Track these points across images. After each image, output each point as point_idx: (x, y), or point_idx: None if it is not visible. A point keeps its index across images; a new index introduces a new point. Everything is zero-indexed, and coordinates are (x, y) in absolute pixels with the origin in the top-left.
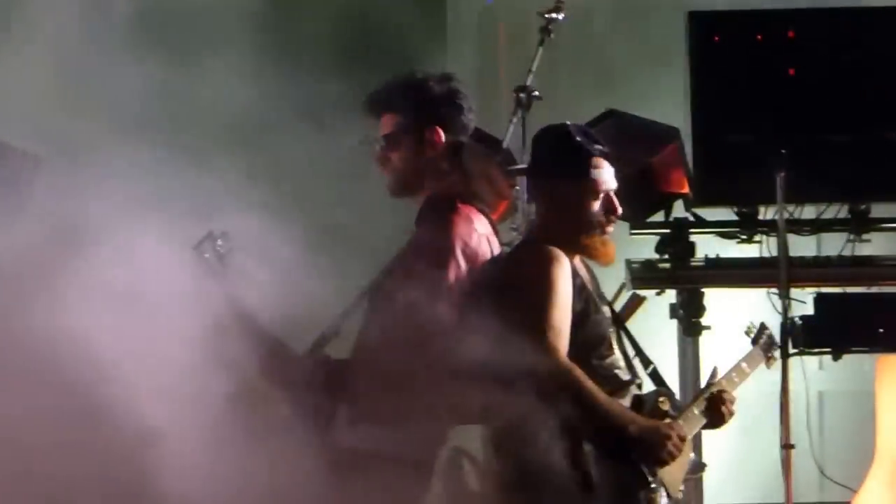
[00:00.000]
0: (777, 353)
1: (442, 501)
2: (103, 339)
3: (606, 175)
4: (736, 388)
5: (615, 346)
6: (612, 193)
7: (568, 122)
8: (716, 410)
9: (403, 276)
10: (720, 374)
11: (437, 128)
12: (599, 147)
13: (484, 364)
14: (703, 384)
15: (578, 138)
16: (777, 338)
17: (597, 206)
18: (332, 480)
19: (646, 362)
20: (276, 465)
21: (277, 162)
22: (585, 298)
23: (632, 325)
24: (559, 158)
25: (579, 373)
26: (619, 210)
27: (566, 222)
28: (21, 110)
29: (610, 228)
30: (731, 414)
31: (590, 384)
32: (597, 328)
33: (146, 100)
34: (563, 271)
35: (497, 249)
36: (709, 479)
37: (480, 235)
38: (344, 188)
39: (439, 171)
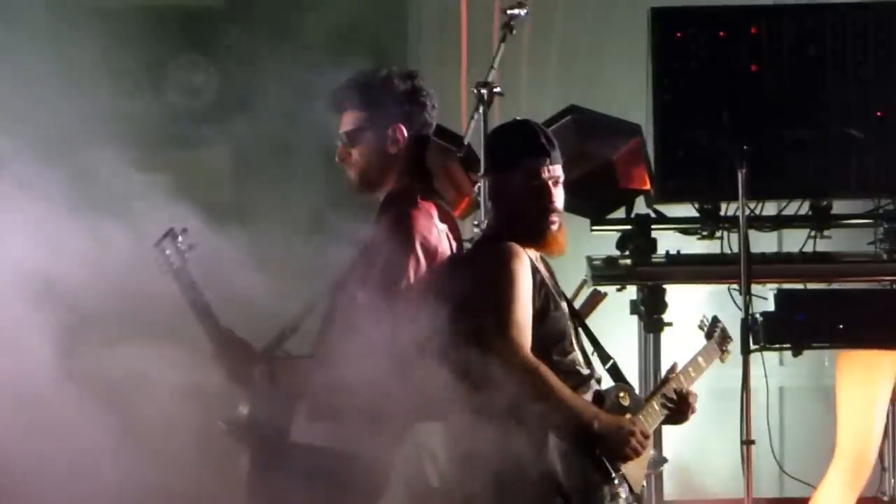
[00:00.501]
0: (731, 347)
1: (403, 498)
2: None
3: (539, 165)
4: (693, 382)
5: (574, 342)
6: (549, 184)
7: (518, 118)
8: (677, 407)
9: (363, 272)
10: (678, 369)
11: (400, 125)
12: (532, 138)
13: (447, 361)
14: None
15: (510, 132)
16: (729, 331)
17: (534, 197)
18: (291, 477)
19: (604, 357)
20: (233, 462)
21: (235, 157)
22: (545, 294)
23: (593, 321)
24: (493, 154)
25: (544, 369)
26: (555, 199)
27: (511, 216)
28: None
29: (554, 218)
30: (693, 411)
31: (555, 380)
32: (557, 324)
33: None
34: (524, 268)
35: (456, 246)
36: (669, 474)
37: (440, 231)
38: (305, 183)
39: (401, 167)
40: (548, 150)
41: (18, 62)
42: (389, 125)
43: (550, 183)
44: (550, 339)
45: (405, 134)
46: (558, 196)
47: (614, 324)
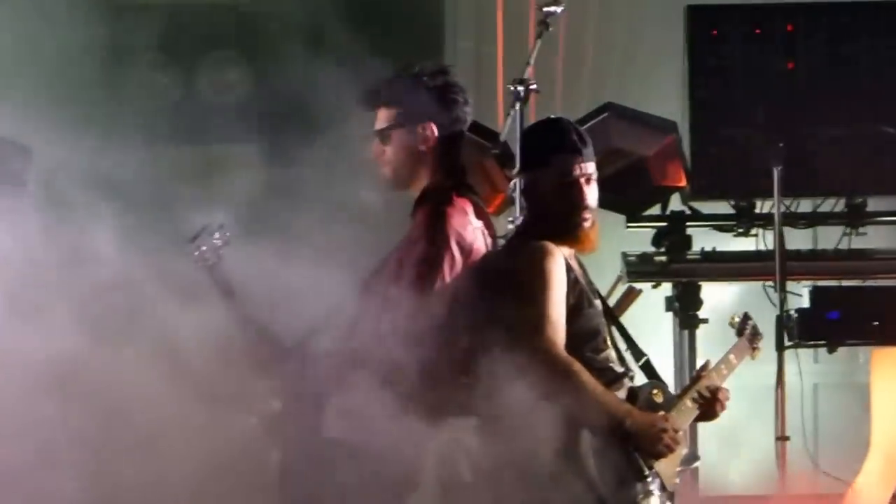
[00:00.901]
0: (762, 344)
1: (436, 493)
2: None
3: (571, 163)
4: (725, 379)
5: (608, 340)
6: (581, 181)
7: (552, 116)
8: (709, 404)
9: (398, 268)
10: (710, 367)
11: (431, 123)
12: (563, 136)
13: (481, 358)
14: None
15: (542, 130)
16: (762, 328)
17: (566, 194)
18: (322, 471)
19: (638, 355)
20: (267, 455)
21: (273, 152)
22: (579, 292)
23: (627, 317)
24: (525, 152)
25: (578, 366)
26: (588, 197)
27: (544, 214)
28: None
29: (586, 215)
30: (724, 408)
31: (588, 377)
32: (590, 322)
33: None
34: (558, 265)
35: (491, 243)
36: (704, 470)
37: (475, 228)
38: (341, 182)
39: (435, 164)
40: (579, 148)
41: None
42: (420, 122)
43: (583, 180)
44: (584, 336)
45: (435, 131)
46: (591, 193)
47: (649, 320)
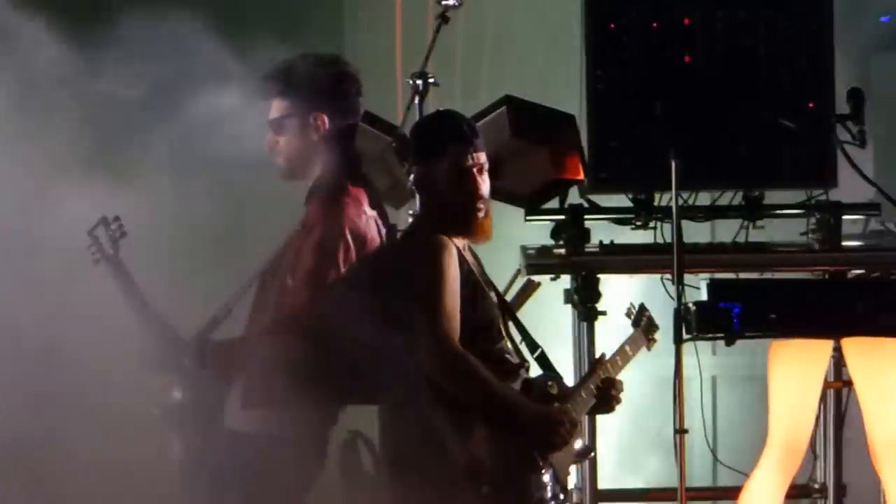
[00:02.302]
0: (658, 335)
1: (337, 484)
2: None
3: (463, 152)
4: (620, 371)
5: (503, 331)
6: (474, 171)
7: (439, 109)
8: (605, 397)
9: (293, 258)
10: (605, 359)
11: (322, 113)
12: (455, 127)
13: (376, 350)
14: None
15: (432, 122)
16: (659, 320)
17: (459, 184)
18: (224, 463)
19: (532, 346)
20: (168, 448)
21: (168, 146)
22: (473, 284)
23: (527, 310)
24: (417, 144)
25: (472, 358)
26: (482, 187)
27: (438, 205)
28: None
29: (480, 205)
30: (620, 401)
31: (483, 369)
32: (484, 313)
33: None
34: (451, 258)
35: (386, 233)
36: (602, 464)
37: (369, 217)
38: (235, 173)
39: (329, 154)
40: (470, 138)
41: None
42: (312, 112)
43: (475, 170)
44: (478, 328)
45: (327, 122)
46: (484, 183)
47: (549, 313)
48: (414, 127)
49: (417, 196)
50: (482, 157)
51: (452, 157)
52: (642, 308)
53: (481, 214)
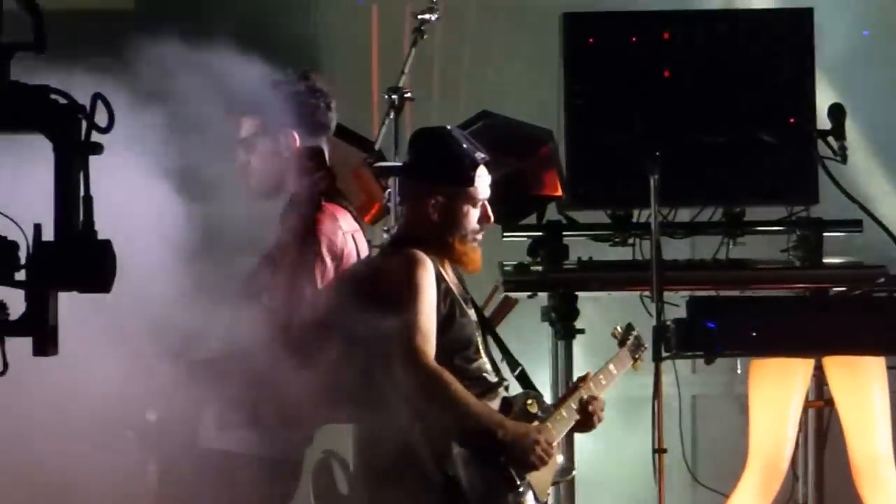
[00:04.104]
0: (644, 355)
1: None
2: None
3: (486, 184)
4: (604, 390)
5: (482, 349)
6: (486, 202)
7: (449, 126)
8: (585, 415)
9: (269, 276)
10: (589, 378)
11: (291, 130)
12: (483, 155)
13: (353, 367)
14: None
15: (465, 145)
16: (644, 339)
17: (475, 214)
18: (200, 482)
19: (513, 364)
20: (144, 466)
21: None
22: (451, 301)
23: (505, 328)
24: (445, 163)
25: (448, 376)
26: (492, 219)
27: (441, 227)
28: None
29: (480, 237)
30: (601, 419)
31: (459, 387)
32: (462, 331)
33: None
34: (428, 275)
35: (364, 247)
36: (580, 483)
37: (346, 233)
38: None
39: (301, 170)
40: (472, 176)
41: None
42: (281, 130)
43: (475, 205)
44: (456, 345)
45: (297, 139)
46: (481, 212)
47: (528, 331)
48: (428, 142)
49: (394, 211)
50: (486, 191)
51: (475, 186)
52: (629, 327)
53: (474, 245)
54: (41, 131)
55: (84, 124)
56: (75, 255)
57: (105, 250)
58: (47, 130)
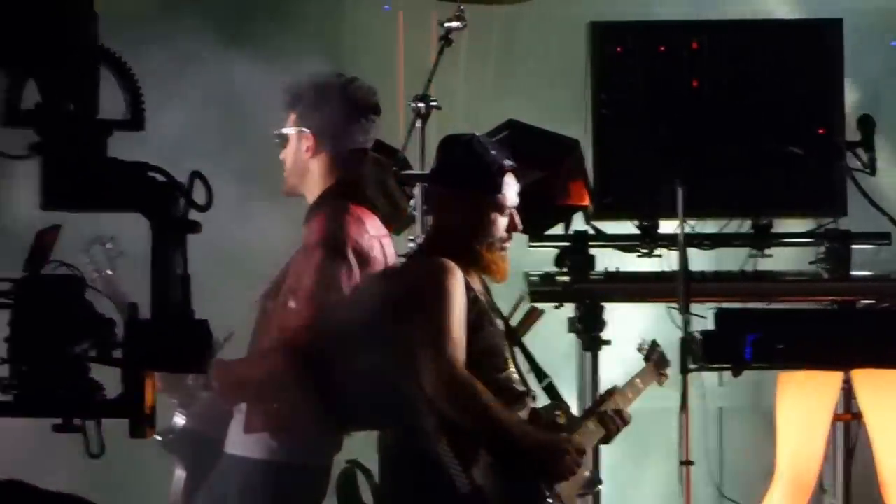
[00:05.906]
0: (669, 371)
1: None
2: None
3: (514, 192)
4: (630, 403)
5: (510, 359)
6: (514, 210)
7: (476, 134)
8: (612, 427)
9: (296, 279)
10: (616, 391)
11: (312, 133)
12: (510, 162)
13: (380, 375)
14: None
15: (493, 152)
16: (668, 353)
17: (503, 222)
18: (226, 490)
19: (541, 376)
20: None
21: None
22: (478, 311)
23: (531, 338)
24: (473, 170)
25: (479, 385)
26: (521, 227)
27: (469, 235)
28: None
29: (508, 245)
30: (619, 430)
31: (489, 397)
32: (490, 341)
33: None
34: (458, 284)
35: (392, 252)
36: (607, 495)
37: (372, 237)
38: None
39: (326, 174)
40: (500, 183)
41: None
42: (303, 129)
43: (504, 213)
44: (484, 355)
45: (314, 140)
46: (511, 221)
47: (554, 341)
48: (456, 149)
49: (419, 220)
50: (514, 199)
51: (503, 193)
52: (654, 344)
53: (502, 254)
54: (139, 210)
55: (182, 202)
56: (171, 335)
57: (201, 329)
58: (146, 209)
